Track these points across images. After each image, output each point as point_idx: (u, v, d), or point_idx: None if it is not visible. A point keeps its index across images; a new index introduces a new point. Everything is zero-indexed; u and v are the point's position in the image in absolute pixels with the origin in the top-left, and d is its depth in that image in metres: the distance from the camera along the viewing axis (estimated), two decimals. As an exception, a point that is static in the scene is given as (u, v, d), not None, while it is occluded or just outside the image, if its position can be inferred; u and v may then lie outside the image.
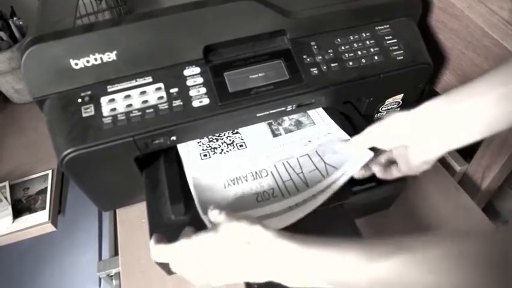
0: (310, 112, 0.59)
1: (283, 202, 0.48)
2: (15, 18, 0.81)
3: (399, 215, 0.59)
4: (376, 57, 0.53)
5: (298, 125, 0.57)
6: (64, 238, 0.91)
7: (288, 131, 0.56)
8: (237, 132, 0.56)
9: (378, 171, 0.50)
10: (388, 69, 0.53)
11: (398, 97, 0.59)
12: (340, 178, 0.49)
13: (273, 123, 0.57)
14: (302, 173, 0.51)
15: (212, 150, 0.54)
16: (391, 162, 0.50)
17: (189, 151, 0.54)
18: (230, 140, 0.55)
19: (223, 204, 0.47)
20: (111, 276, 0.66)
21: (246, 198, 0.49)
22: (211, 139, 0.55)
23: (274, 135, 0.56)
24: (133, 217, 0.61)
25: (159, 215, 0.49)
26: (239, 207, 0.47)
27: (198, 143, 0.55)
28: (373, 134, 0.47)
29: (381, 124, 0.45)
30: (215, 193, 0.49)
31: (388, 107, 0.60)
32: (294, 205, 0.48)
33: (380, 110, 0.60)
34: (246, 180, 0.50)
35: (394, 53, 0.53)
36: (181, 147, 0.54)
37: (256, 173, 0.51)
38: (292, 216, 0.47)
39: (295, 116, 0.58)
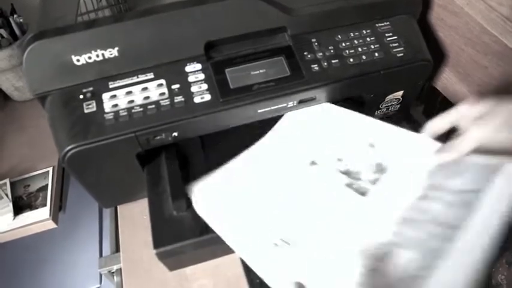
0: (378, 142, 0.47)
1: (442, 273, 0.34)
2: (15, 16, 0.81)
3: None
4: (376, 54, 0.53)
5: (380, 168, 0.45)
6: (65, 235, 0.91)
7: (373, 182, 0.45)
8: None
9: None
10: (389, 66, 0.53)
11: (399, 94, 0.59)
12: (496, 202, 0.37)
13: (352, 182, 0.46)
14: (438, 222, 0.38)
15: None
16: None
17: None
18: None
19: None
20: (113, 272, 0.66)
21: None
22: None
23: (362, 193, 0.44)
24: (135, 214, 0.62)
25: (161, 211, 0.49)
26: None
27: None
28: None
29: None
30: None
31: (388, 104, 0.61)
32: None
33: (380, 106, 0.61)
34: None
35: (395, 50, 0.54)
36: None
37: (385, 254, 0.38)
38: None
39: (368, 161, 0.46)
